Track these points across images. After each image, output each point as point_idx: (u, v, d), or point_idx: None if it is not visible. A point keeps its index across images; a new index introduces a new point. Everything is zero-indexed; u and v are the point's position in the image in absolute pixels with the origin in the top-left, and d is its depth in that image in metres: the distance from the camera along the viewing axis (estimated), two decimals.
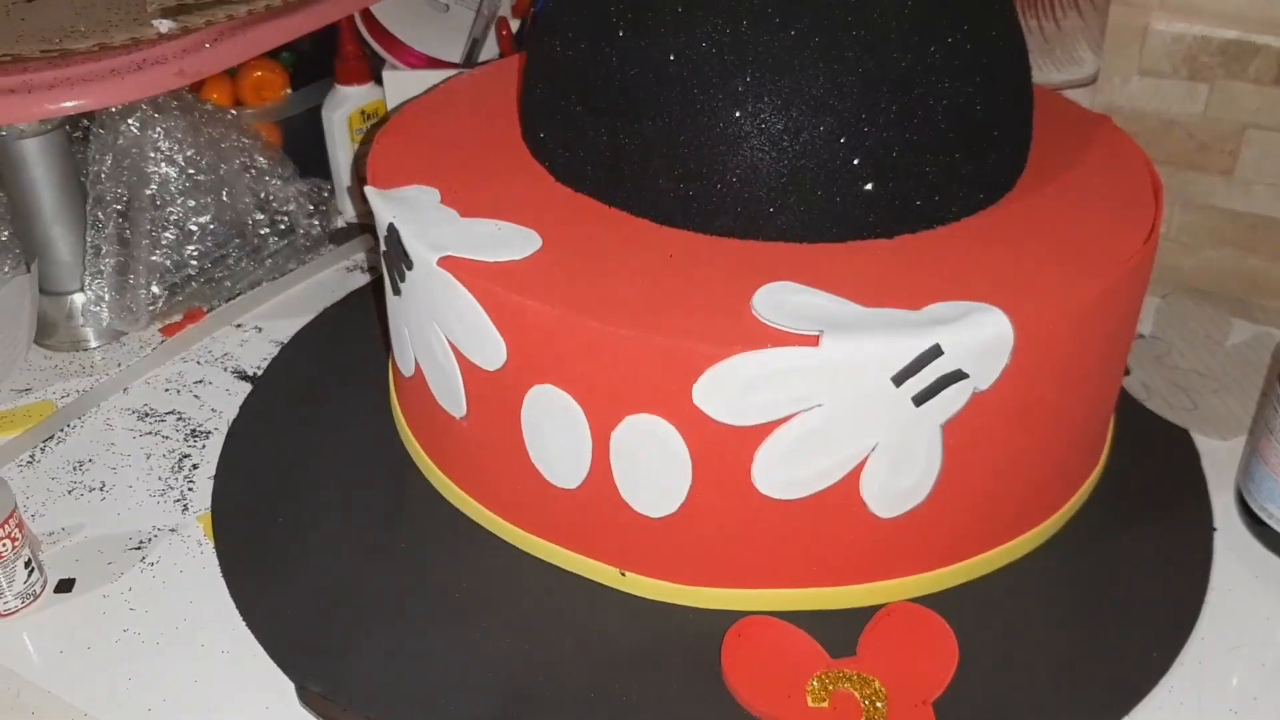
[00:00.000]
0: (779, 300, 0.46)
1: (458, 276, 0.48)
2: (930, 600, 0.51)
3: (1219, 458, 0.61)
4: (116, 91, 0.61)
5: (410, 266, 0.51)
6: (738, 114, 0.48)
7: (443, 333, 0.51)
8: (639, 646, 0.50)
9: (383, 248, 0.54)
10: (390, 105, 0.79)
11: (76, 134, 0.73)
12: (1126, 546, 0.55)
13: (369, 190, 0.54)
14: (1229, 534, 0.57)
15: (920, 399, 0.45)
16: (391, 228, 0.52)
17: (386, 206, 0.53)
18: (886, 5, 0.48)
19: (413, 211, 0.52)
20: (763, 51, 0.48)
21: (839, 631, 0.49)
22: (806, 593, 0.51)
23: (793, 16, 0.48)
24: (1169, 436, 0.62)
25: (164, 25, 0.63)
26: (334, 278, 0.79)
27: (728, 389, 0.45)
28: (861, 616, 0.50)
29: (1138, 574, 0.54)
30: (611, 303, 0.46)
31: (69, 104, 0.60)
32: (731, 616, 0.50)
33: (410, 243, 0.50)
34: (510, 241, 0.50)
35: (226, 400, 0.67)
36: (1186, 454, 0.61)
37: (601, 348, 0.46)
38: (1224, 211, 0.74)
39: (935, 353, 0.44)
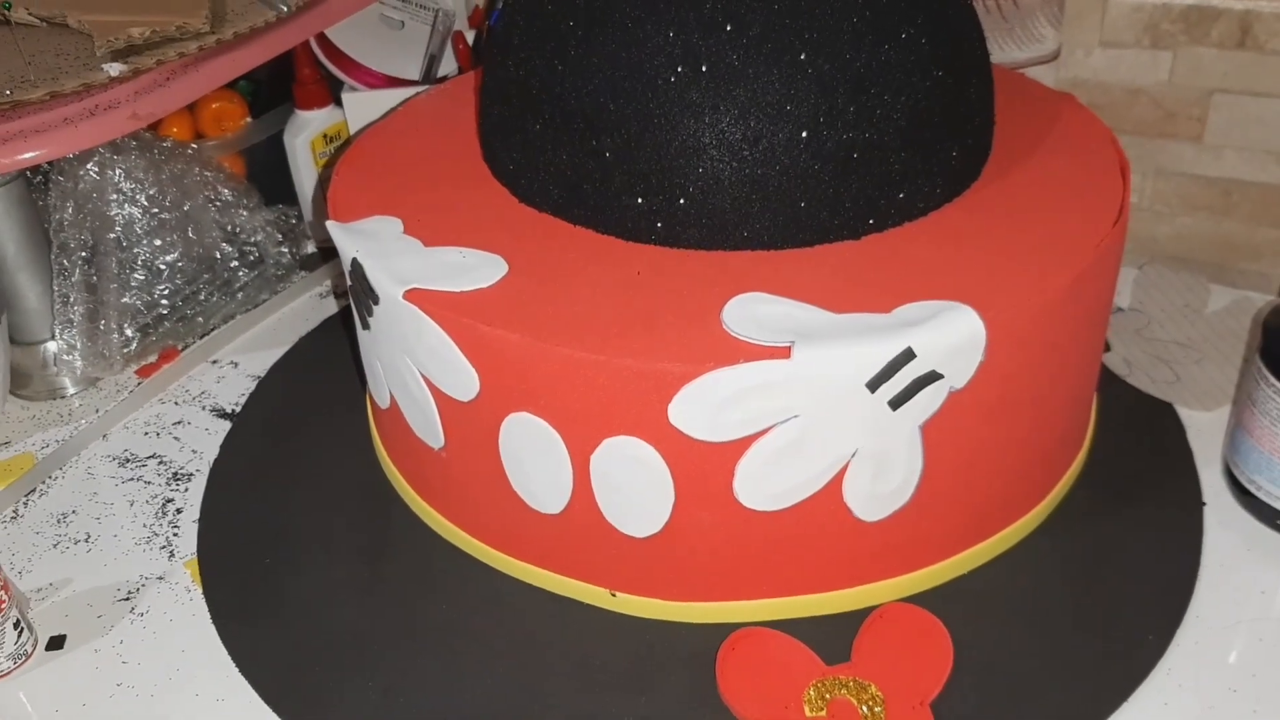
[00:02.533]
0: (748, 312, 0.46)
1: (425, 309, 0.48)
2: (922, 598, 0.51)
3: (1204, 430, 0.61)
4: (71, 140, 0.60)
5: (377, 301, 0.50)
6: (695, 126, 0.48)
7: (414, 366, 0.51)
8: (634, 666, 0.50)
9: (349, 282, 0.54)
10: (352, 126, 0.78)
11: (37, 179, 0.72)
12: (1116, 528, 0.55)
13: (330, 225, 0.54)
14: (1218, 508, 0.57)
15: (897, 402, 0.45)
16: (355, 263, 0.51)
17: (349, 241, 0.52)
18: (837, 6, 0.48)
19: (376, 244, 0.52)
20: (716, 61, 0.48)
21: (833, 636, 0.49)
22: (797, 600, 0.51)
23: (744, 24, 0.47)
24: (1152, 411, 0.62)
25: (114, 69, 0.62)
26: (307, 305, 0.79)
27: (703, 406, 0.44)
28: (855, 620, 0.50)
29: (1129, 555, 0.54)
30: (582, 327, 0.46)
31: (25, 156, 0.60)
32: (724, 630, 0.50)
33: (375, 277, 0.50)
34: (476, 269, 0.50)
35: (206, 440, 0.67)
36: (1171, 428, 0.61)
37: (574, 374, 0.45)
38: (1196, 178, 0.73)
39: (908, 356, 0.44)
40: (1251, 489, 0.55)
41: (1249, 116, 0.70)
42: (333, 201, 0.56)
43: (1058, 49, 0.71)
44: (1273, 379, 0.52)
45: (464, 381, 0.49)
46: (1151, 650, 0.49)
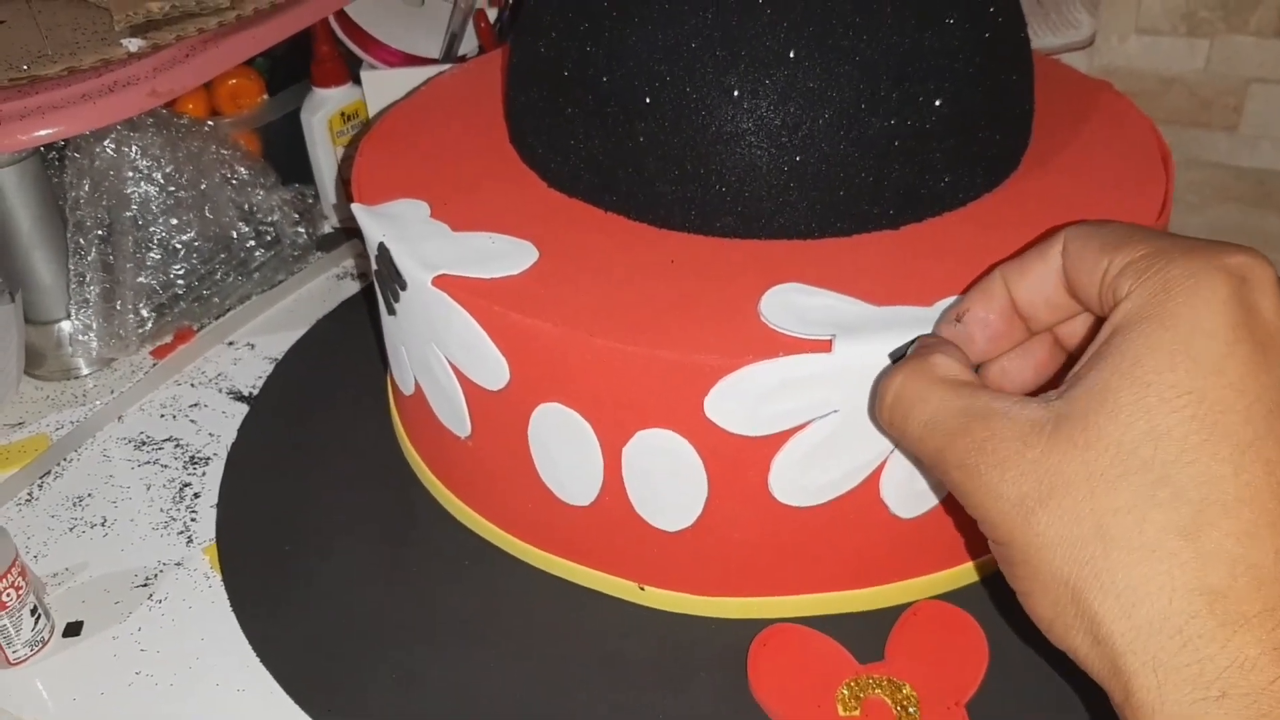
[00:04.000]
0: (787, 303, 0.45)
1: (454, 296, 0.47)
2: (957, 596, 0.50)
3: None
4: (89, 117, 0.59)
5: (404, 287, 0.49)
6: (732, 111, 0.47)
7: (442, 353, 0.50)
8: (663, 662, 0.49)
9: (374, 267, 0.53)
10: (370, 105, 0.77)
11: (51, 155, 0.71)
12: None
13: (356, 208, 0.52)
14: None
15: None
16: (382, 247, 0.50)
17: (376, 224, 0.51)
18: None
19: (403, 228, 0.51)
20: (755, 45, 0.46)
21: (866, 634, 0.48)
22: (830, 597, 0.50)
23: (784, 7, 0.46)
24: None
25: (133, 44, 0.61)
26: (324, 286, 0.78)
27: (740, 400, 0.43)
28: (888, 617, 0.49)
29: None
30: (615, 316, 0.45)
31: (42, 133, 0.59)
32: (755, 626, 0.49)
33: (403, 262, 0.49)
34: (506, 255, 0.48)
35: (223, 423, 0.66)
36: None
37: (608, 365, 0.44)
38: (1230, 168, 0.72)
39: None
40: None
41: None
42: (357, 183, 0.55)
43: (1092, 35, 0.69)
44: None
45: (493, 370, 0.48)
46: None
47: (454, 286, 0.47)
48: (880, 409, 0.40)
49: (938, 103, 0.48)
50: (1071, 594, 0.33)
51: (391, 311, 0.53)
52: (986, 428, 0.35)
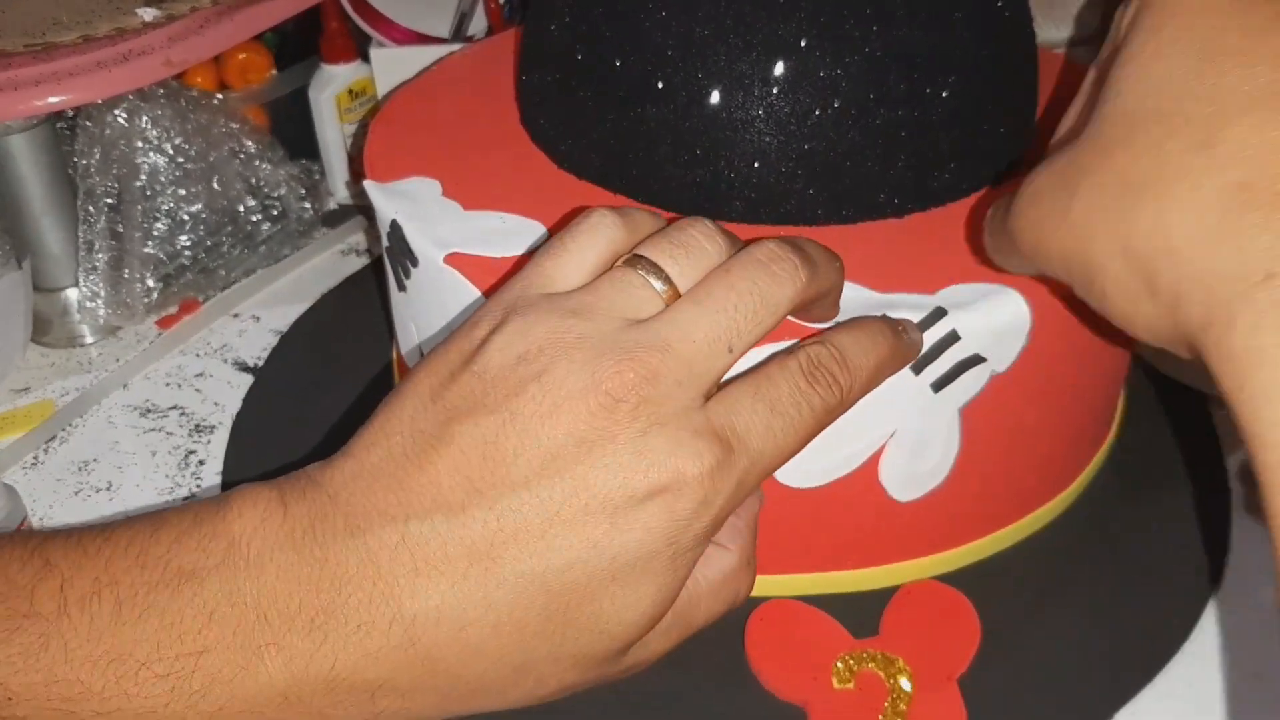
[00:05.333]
0: None
1: (466, 274, 0.48)
2: (951, 578, 0.51)
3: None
4: (104, 85, 0.60)
5: (415, 264, 0.50)
6: (743, 98, 0.48)
7: (451, 329, 0.50)
8: None
9: (385, 243, 0.53)
10: (379, 83, 0.77)
11: (60, 125, 0.71)
12: (1143, 512, 0.55)
13: (368, 185, 0.53)
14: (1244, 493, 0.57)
15: (939, 385, 0.45)
16: (394, 224, 0.51)
17: (388, 202, 0.52)
18: None
19: (415, 206, 0.51)
20: (767, 33, 0.47)
21: (861, 613, 0.49)
22: (827, 576, 0.51)
23: None
24: (1181, 397, 0.62)
25: (148, 14, 0.61)
26: (329, 262, 0.78)
27: None
28: (883, 597, 0.50)
29: (1156, 540, 0.54)
30: None
31: (55, 99, 0.59)
32: (753, 602, 0.50)
33: (415, 240, 0.50)
34: (516, 234, 0.49)
35: (228, 393, 0.67)
36: (1199, 414, 0.61)
37: None
38: None
39: (952, 338, 0.44)
40: None
41: None
42: (369, 159, 0.56)
43: (1096, 29, 0.70)
44: None
45: None
46: (1177, 632, 0.50)
47: (465, 265, 0.48)
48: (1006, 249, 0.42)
49: (944, 95, 0.49)
50: (1125, 260, 0.33)
51: (402, 288, 0.53)
52: (1041, 175, 0.37)
